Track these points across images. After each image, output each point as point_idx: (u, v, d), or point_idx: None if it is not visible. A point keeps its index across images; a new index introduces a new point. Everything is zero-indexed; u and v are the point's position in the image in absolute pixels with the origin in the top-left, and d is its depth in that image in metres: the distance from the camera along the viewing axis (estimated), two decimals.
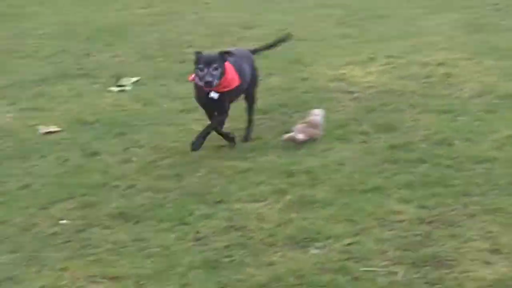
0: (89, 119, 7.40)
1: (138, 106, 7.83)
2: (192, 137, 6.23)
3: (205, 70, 6.02)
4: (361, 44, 9.73)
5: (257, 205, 5.43)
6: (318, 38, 10.20)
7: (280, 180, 5.79)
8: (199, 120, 7.03)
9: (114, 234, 5.12)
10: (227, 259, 4.70)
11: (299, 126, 6.46)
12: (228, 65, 6.23)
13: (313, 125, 6.47)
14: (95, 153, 6.55)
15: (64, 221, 5.33)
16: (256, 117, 6.96)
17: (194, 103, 6.66)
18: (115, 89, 8.30)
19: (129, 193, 5.73)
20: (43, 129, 7.15)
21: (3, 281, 4.58)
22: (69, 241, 5.06)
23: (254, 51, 7.04)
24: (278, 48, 9.30)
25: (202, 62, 6.08)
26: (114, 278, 4.57)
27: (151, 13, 12.64)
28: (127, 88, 8.31)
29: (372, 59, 8.93)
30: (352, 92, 7.78)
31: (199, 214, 5.30)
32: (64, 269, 4.69)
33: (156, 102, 7.88)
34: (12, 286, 4.54)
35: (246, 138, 6.70)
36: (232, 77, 6.28)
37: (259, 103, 7.13)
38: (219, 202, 5.49)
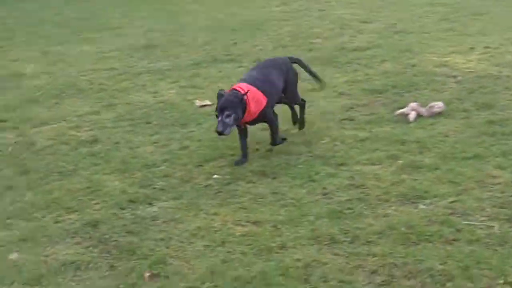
0: None
1: None
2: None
3: (219, 117, 5.24)
4: (462, 36, 9.38)
5: (374, 167, 5.38)
6: (425, 31, 9.90)
7: (393, 147, 5.70)
8: (326, 97, 7.06)
9: (256, 187, 5.22)
10: (348, 211, 4.71)
11: (412, 104, 6.35)
12: (250, 93, 5.37)
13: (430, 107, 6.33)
14: None
15: (216, 176, 5.47)
16: (372, 96, 6.93)
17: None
18: None
19: (267, 155, 5.81)
20: (198, 102, 7.32)
21: (167, 222, 4.81)
22: (220, 192, 5.21)
23: (294, 61, 6.15)
24: (390, 40, 9.19)
25: (217, 107, 5.29)
26: (255, 223, 4.68)
27: (284, 10, 12.75)
28: None
29: (472, 49, 8.61)
30: (455, 76, 7.55)
31: (325, 174, 5.31)
32: (215, 214, 4.85)
33: None
34: (176, 225, 4.76)
35: (300, 124, 6.15)
36: (257, 102, 5.44)
37: (375, 84, 7.06)
38: (342, 164, 5.47)
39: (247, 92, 5.33)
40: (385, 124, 6.28)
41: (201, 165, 5.72)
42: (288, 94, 5.96)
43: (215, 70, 8.70)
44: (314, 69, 6.53)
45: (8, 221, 4.92)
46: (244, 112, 5.34)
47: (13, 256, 4.43)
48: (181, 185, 5.39)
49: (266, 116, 5.61)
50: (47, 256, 4.42)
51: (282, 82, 5.79)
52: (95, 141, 6.42)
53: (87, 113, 7.31)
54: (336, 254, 4.22)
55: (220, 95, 5.35)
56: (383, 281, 3.92)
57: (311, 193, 5.04)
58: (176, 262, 4.27)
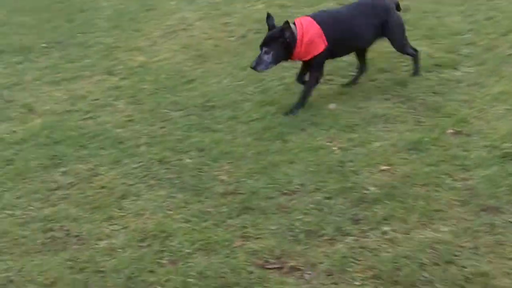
0: None
1: None
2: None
3: (260, 52, 4.91)
4: None
5: None
6: None
7: None
8: None
9: None
10: None
11: None
12: (307, 33, 4.87)
13: None
14: None
15: None
16: None
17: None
18: None
19: None
20: None
21: (471, 85, 5.17)
22: None
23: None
24: None
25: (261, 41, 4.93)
26: None
27: None
28: None
29: None
30: None
31: None
32: None
33: None
34: (479, 89, 5.10)
35: (415, 73, 5.45)
36: (312, 44, 4.90)
37: None
38: None
39: (289, 29, 4.83)
40: None
41: (505, 35, 5.91)
42: (392, 42, 5.31)
43: None
44: None
45: (328, 77, 5.72)
46: (288, 51, 4.90)
47: (332, 106, 5.23)
48: (484, 53, 5.67)
49: (313, 66, 5.08)
50: (360, 108, 5.12)
51: (372, 29, 5.13)
52: (406, 10, 6.83)
53: None
54: None
55: (269, 20, 4.93)
56: None
57: None
58: (478, 122, 4.64)
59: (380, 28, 5.14)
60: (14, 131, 5.46)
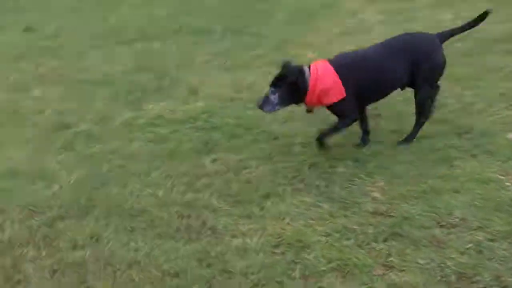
0: None
1: None
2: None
3: (269, 91, 4.35)
4: None
5: None
6: None
7: None
8: None
9: None
10: None
11: None
12: (321, 79, 4.20)
13: None
14: None
15: None
16: None
17: None
18: None
19: None
20: None
21: None
22: None
23: (446, 35, 4.40)
24: None
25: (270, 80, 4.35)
26: None
27: None
28: None
29: None
30: None
31: None
32: None
33: None
34: None
35: (406, 139, 4.58)
36: (326, 92, 4.21)
37: None
38: None
39: (297, 76, 4.23)
40: None
41: None
42: (416, 90, 4.44)
43: None
44: None
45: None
46: (299, 96, 4.29)
47: (511, 136, 4.62)
48: None
49: (339, 112, 4.39)
50: None
51: (405, 71, 4.32)
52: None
53: None
54: None
55: (282, 66, 4.33)
56: None
57: None
58: None
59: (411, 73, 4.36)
60: (174, 110, 5.49)
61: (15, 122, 5.55)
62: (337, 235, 3.57)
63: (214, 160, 4.59)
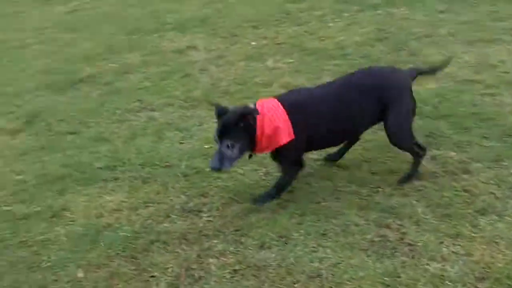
0: None
1: None
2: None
3: (217, 147, 3.52)
4: None
5: None
6: None
7: None
8: None
9: None
10: None
11: None
12: (268, 119, 3.49)
13: None
14: None
15: None
16: None
17: None
18: None
19: None
20: None
21: None
22: None
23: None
24: None
25: (216, 130, 3.53)
26: None
27: None
28: None
29: None
30: None
31: None
32: None
33: None
34: None
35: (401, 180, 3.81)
36: (275, 133, 3.51)
37: None
38: None
39: (253, 115, 3.52)
40: None
41: None
42: (390, 129, 3.69)
43: None
44: None
45: None
46: (251, 142, 3.58)
47: None
48: None
49: (283, 160, 3.75)
50: None
51: (372, 111, 3.65)
52: None
53: None
54: None
55: (219, 112, 3.59)
56: None
57: None
58: None
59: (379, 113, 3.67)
60: None
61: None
62: None
63: (433, 158, 4.09)
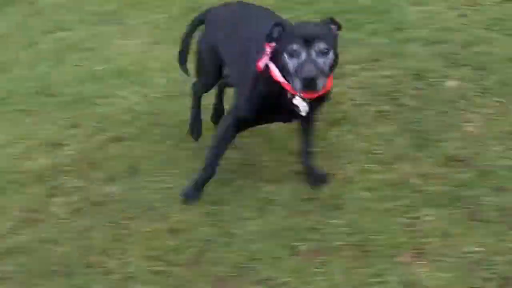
0: None
1: None
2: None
3: (303, 55, 2.57)
4: None
5: None
6: None
7: None
8: None
9: None
10: None
11: None
12: None
13: None
14: None
15: None
16: None
17: None
18: None
19: None
20: None
21: None
22: None
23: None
24: None
25: (297, 37, 2.59)
26: None
27: None
28: None
29: None
30: None
31: None
32: None
33: None
34: None
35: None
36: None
37: None
38: None
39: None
40: None
41: None
42: None
43: None
44: None
45: None
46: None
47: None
48: None
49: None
50: None
51: None
52: None
53: None
54: None
55: (278, 25, 2.71)
56: None
57: None
58: None
59: None
60: None
61: None
62: None
63: None
